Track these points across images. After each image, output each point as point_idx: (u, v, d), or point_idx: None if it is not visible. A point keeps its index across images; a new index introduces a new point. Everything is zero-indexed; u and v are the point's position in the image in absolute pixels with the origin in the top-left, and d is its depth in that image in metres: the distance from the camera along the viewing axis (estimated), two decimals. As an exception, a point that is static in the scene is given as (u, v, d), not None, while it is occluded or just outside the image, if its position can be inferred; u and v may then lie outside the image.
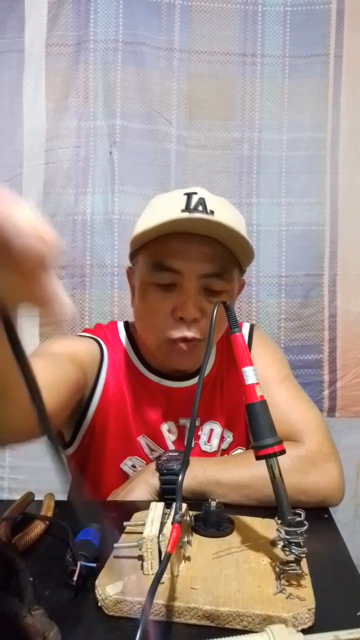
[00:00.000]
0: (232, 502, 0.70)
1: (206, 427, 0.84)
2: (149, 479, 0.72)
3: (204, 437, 0.84)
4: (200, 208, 0.69)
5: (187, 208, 0.69)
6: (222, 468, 0.73)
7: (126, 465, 0.83)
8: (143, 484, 0.72)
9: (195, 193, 0.71)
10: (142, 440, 0.83)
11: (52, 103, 1.27)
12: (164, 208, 0.71)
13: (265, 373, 0.81)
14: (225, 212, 0.71)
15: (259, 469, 0.55)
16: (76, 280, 1.27)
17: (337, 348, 1.31)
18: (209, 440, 0.85)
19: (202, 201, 0.70)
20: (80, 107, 1.27)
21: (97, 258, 1.27)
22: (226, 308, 0.61)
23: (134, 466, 0.83)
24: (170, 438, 0.83)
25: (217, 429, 0.85)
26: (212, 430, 0.85)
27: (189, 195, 0.70)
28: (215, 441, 0.85)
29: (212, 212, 0.70)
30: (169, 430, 0.83)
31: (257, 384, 0.58)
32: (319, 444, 0.76)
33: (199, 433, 0.84)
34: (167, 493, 0.70)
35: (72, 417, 0.82)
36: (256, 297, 1.30)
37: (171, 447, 0.83)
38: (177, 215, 0.68)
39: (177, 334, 0.72)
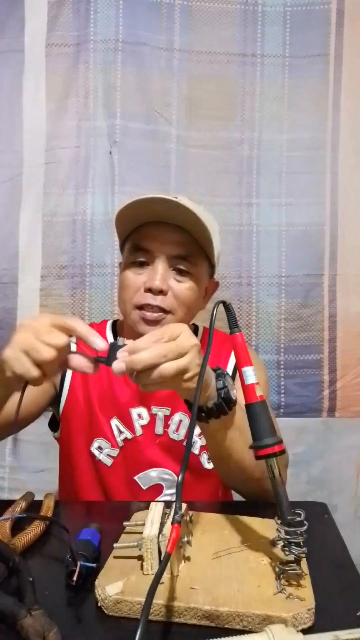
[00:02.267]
0: (234, 447, 0.68)
1: (176, 417, 0.88)
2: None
3: (172, 427, 0.88)
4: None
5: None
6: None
7: (93, 447, 0.88)
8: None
9: (175, 198, 0.81)
10: (113, 422, 0.88)
11: (52, 103, 1.27)
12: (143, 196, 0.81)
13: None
14: (195, 207, 0.81)
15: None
16: (76, 280, 1.27)
17: (337, 348, 1.31)
18: (177, 430, 0.88)
19: (177, 198, 0.80)
20: (80, 107, 1.27)
21: (97, 258, 1.27)
22: (226, 307, 0.62)
23: (100, 447, 0.87)
24: (139, 422, 0.88)
25: (186, 420, 0.88)
26: (180, 421, 0.88)
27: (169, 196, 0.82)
28: (183, 431, 0.88)
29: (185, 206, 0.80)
30: (139, 415, 0.88)
31: (257, 384, 0.58)
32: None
33: (169, 422, 0.88)
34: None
35: (53, 404, 0.91)
36: (256, 297, 1.30)
37: (139, 431, 0.88)
38: (148, 195, 0.79)
39: (143, 300, 0.82)
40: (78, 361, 0.56)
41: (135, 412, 0.88)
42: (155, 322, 0.83)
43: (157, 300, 0.81)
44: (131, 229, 0.86)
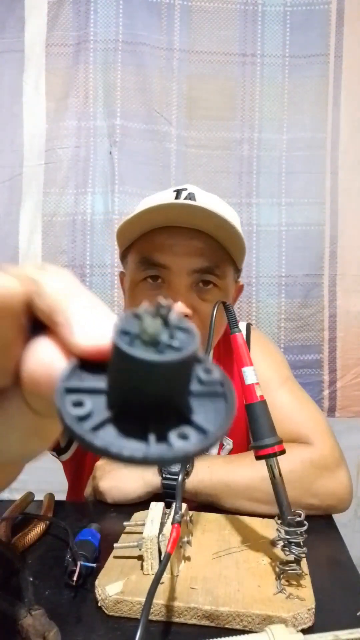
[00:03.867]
0: (240, 508, 0.68)
1: None
2: (148, 476, 0.70)
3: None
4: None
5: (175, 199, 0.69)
6: (231, 469, 0.71)
7: None
8: (141, 481, 0.70)
9: (185, 189, 0.71)
10: None
11: (52, 103, 1.27)
12: (151, 202, 0.68)
13: (266, 375, 0.80)
14: (214, 205, 0.68)
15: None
16: (76, 280, 1.27)
17: (337, 348, 1.31)
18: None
19: (191, 195, 0.69)
20: (80, 107, 1.27)
21: (97, 258, 1.27)
22: (225, 308, 0.61)
23: None
24: None
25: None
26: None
27: (179, 191, 0.70)
28: (214, 450, 0.82)
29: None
30: None
31: (257, 383, 0.58)
32: (331, 447, 0.75)
33: None
34: (168, 496, 0.69)
35: None
36: (256, 297, 1.30)
37: None
38: (160, 202, 0.67)
39: None
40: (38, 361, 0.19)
41: None
42: None
43: None
44: (136, 237, 0.72)
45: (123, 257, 0.79)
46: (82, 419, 0.16)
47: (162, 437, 0.16)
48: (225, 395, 0.17)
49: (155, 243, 0.69)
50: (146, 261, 0.70)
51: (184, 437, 0.16)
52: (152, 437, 0.16)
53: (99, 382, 0.17)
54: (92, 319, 0.18)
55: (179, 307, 0.67)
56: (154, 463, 0.16)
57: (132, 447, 0.16)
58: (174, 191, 0.71)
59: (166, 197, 0.71)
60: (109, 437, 0.16)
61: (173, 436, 0.16)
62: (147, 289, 0.71)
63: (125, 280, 0.78)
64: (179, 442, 0.16)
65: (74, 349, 0.18)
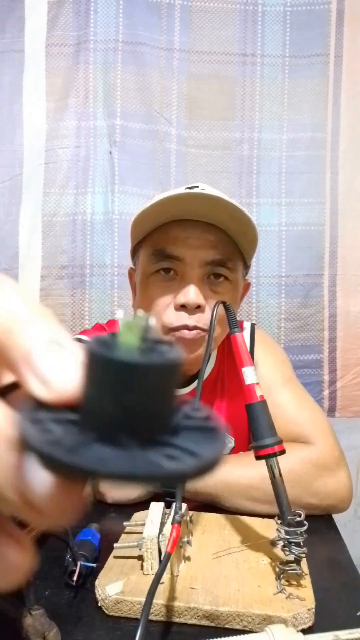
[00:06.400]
0: (240, 507, 0.69)
1: None
2: None
3: None
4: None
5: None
6: (231, 469, 0.71)
7: None
8: None
9: (197, 186, 0.72)
10: None
11: (52, 103, 1.27)
12: (164, 196, 0.69)
13: (269, 375, 0.82)
14: (227, 198, 0.70)
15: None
16: (76, 280, 1.27)
17: (337, 348, 1.31)
18: None
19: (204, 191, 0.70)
20: (80, 107, 1.27)
21: (97, 258, 1.27)
22: (225, 308, 0.61)
23: None
24: None
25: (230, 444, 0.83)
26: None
27: (191, 188, 0.71)
28: None
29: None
30: None
31: (257, 384, 0.58)
32: (331, 447, 0.75)
33: None
34: (168, 496, 0.69)
35: None
36: (256, 297, 1.30)
37: None
38: (176, 192, 0.67)
39: (178, 322, 0.69)
40: None
41: None
42: (193, 342, 0.70)
43: (193, 320, 0.69)
44: (148, 230, 0.73)
45: (134, 251, 0.79)
46: (54, 443, 0.14)
47: (147, 457, 0.14)
48: (214, 429, 0.16)
49: (169, 235, 0.70)
50: (159, 253, 0.71)
51: (172, 458, 0.14)
52: (137, 454, 0.14)
53: (66, 414, 0.15)
54: (56, 362, 0.16)
55: (194, 296, 0.68)
56: (142, 480, 0.14)
57: (116, 462, 0.14)
58: (186, 188, 0.71)
59: (178, 190, 0.71)
60: (87, 455, 0.14)
61: (160, 457, 0.14)
62: (160, 281, 0.72)
63: (135, 275, 0.79)
64: (167, 462, 0.14)
65: (45, 401, 0.15)
